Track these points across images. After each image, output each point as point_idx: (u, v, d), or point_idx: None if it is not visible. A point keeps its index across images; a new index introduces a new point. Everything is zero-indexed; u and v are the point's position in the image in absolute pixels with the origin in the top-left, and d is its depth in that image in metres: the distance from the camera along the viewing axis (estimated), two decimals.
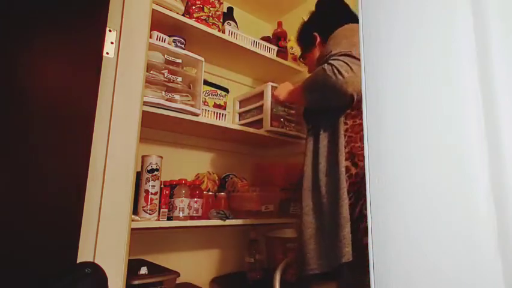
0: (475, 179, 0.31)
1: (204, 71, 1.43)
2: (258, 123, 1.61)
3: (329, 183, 1.02)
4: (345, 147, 1.01)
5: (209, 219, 1.39)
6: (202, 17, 1.49)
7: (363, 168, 0.92)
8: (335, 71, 0.97)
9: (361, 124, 0.98)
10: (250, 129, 1.57)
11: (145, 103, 1.15)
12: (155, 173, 1.23)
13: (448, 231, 0.32)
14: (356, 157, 1.00)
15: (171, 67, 1.31)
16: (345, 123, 1.04)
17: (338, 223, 0.95)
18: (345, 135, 1.03)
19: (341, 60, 0.98)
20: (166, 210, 1.27)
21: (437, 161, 0.34)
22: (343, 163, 0.99)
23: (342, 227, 0.93)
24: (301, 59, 1.43)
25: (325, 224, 1.01)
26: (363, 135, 0.91)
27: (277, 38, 1.85)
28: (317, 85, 1.06)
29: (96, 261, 0.75)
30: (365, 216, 0.85)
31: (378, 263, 0.38)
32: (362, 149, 0.91)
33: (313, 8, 1.32)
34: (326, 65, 1.02)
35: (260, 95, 1.63)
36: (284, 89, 1.34)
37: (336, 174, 1.00)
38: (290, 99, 1.33)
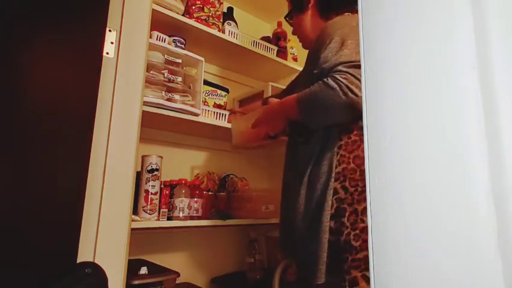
0: (475, 179, 0.31)
1: (204, 71, 1.43)
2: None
3: (308, 203, 0.92)
4: (336, 167, 0.90)
5: (209, 219, 1.39)
6: (202, 17, 1.49)
7: (353, 193, 0.87)
8: (345, 90, 0.82)
9: (356, 141, 0.90)
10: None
11: (145, 103, 1.15)
12: (155, 173, 1.23)
13: (448, 231, 0.32)
14: (348, 180, 0.88)
15: (171, 67, 1.31)
16: (340, 139, 0.92)
17: (315, 248, 0.87)
18: (337, 153, 0.91)
19: (351, 74, 0.83)
20: (166, 210, 1.27)
21: (437, 161, 0.34)
22: (332, 185, 0.88)
23: (321, 252, 0.86)
24: (287, 18, 1.21)
25: (296, 241, 0.95)
26: (356, 156, 0.88)
27: (277, 38, 1.85)
28: (320, 105, 0.88)
29: (96, 261, 0.75)
30: (354, 247, 0.83)
31: (378, 263, 0.38)
32: (355, 172, 0.87)
33: None
34: (330, 80, 0.85)
35: (260, 95, 1.63)
36: (243, 125, 1.10)
37: (320, 196, 0.89)
38: (271, 123, 1.05)
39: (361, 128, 0.89)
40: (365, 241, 0.83)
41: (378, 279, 0.37)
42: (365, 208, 0.82)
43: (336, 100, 0.84)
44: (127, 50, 0.88)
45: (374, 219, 0.39)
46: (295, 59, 1.90)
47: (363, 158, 0.87)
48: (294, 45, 1.92)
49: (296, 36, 1.21)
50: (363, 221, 0.84)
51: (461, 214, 0.32)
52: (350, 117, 0.87)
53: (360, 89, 0.80)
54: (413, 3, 0.39)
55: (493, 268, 0.29)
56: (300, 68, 1.81)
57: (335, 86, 0.83)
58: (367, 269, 0.82)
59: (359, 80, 0.82)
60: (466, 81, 0.33)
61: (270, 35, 1.92)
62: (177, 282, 1.29)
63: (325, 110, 0.89)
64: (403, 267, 0.35)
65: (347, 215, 0.86)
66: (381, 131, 0.40)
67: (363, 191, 0.86)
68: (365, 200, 0.84)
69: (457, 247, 0.31)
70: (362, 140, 0.88)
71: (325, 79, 0.87)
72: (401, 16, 0.40)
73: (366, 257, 0.82)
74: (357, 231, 0.85)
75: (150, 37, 1.08)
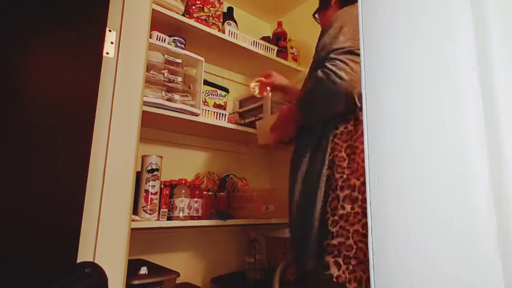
0: (475, 179, 0.31)
1: (204, 71, 1.43)
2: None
3: (305, 190, 0.95)
4: (329, 155, 0.92)
5: (209, 219, 1.39)
6: (202, 17, 1.49)
7: (338, 180, 0.88)
8: (332, 77, 0.85)
9: (351, 132, 0.91)
10: (250, 129, 1.57)
11: (145, 103, 1.15)
12: (155, 173, 1.23)
13: (448, 231, 0.32)
14: (335, 167, 0.89)
15: (171, 67, 1.31)
16: (336, 127, 0.94)
17: (308, 233, 0.90)
18: (332, 141, 0.93)
19: (340, 60, 0.86)
20: (166, 210, 1.27)
21: (437, 161, 0.34)
22: (325, 172, 0.90)
23: (311, 239, 0.89)
24: (315, 16, 1.26)
25: (296, 231, 0.97)
26: (349, 146, 0.89)
27: (277, 38, 1.85)
28: (315, 100, 0.94)
29: (96, 261, 0.75)
30: (330, 232, 0.84)
31: (378, 262, 0.38)
32: (344, 160, 0.89)
33: (312, 9, 1.30)
34: (319, 72, 0.89)
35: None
36: (266, 126, 1.15)
37: (314, 182, 0.91)
38: (283, 129, 1.10)
39: (357, 119, 0.91)
40: (342, 228, 0.84)
41: (378, 279, 0.37)
42: (347, 196, 0.85)
43: (326, 91, 0.88)
44: (127, 50, 0.88)
45: (374, 219, 0.39)
46: (295, 59, 1.89)
47: (355, 148, 0.89)
48: (294, 45, 1.92)
49: None
50: (343, 208, 0.85)
51: (461, 214, 0.32)
52: (344, 104, 0.89)
53: (347, 73, 0.84)
54: (413, 3, 0.39)
55: (493, 268, 0.29)
56: (300, 68, 1.82)
57: (323, 76, 0.87)
58: (339, 255, 0.83)
59: (347, 65, 0.85)
60: (466, 81, 0.33)
61: (270, 35, 1.92)
62: (177, 282, 1.29)
63: (320, 104, 0.93)
64: (403, 267, 0.35)
65: (329, 200, 0.88)
66: (381, 130, 0.40)
67: (348, 179, 0.87)
68: (348, 187, 0.86)
69: (457, 247, 0.31)
70: (356, 131, 0.91)
71: (315, 72, 0.91)
72: (401, 16, 0.40)
73: (341, 244, 0.83)
74: (336, 217, 0.85)
75: (150, 37, 1.08)
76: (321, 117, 0.96)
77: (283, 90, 1.33)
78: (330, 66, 0.87)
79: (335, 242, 0.84)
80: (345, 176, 0.87)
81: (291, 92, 1.29)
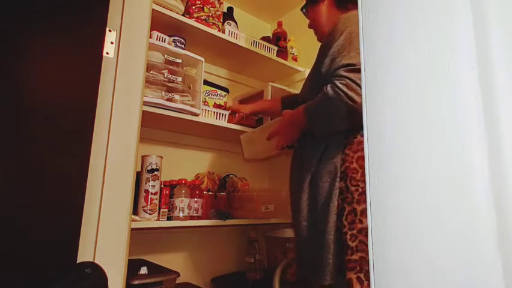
0: (475, 180, 0.31)
1: (204, 71, 1.43)
2: (259, 123, 1.61)
3: (312, 203, 0.92)
4: (340, 166, 0.90)
5: (209, 219, 1.39)
6: (202, 17, 1.49)
7: (354, 193, 0.85)
8: (344, 99, 0.83)
9: (361, 142, 0.88)
10: (250, 129, 1.57)
11: (145, 103, 1.15)
12: (155, 173, 1.23)
13: (448, 231, 0.32)
14: (349, 179, 0.87)
15: (171, 67, 1.31)
16: (346, 138, 0.92)
17: (322, 248, 0.87)
18: (342, 152, 0.91)
19: (351, 80, 0.83)
20: (166, 210, 1.27)
21: (437, 161, 0.34)
22: (337, 184, 0.88)
23: (326, 253, 0.86)
24: (303, 10, 1.21)
25: (305, 243, 0.94)
26: (360, 157, 0.87)
27: (277, 38, 1.85)
28: (323, 115, 0.92)
29: (96, 261, 0.75)
30: (350, 247, 0.81)
31: (378, 262, 0.38)
32: (357, 172, 0.87)
33: None
34: (330, 89, 0.86)
35: (260, 95, 1.63)
36: (258, 137, 1.16)
37: (326, 196, 0.89)
38: (287, 133, 1.07)
39: None
40: (362, 242, 0.82)
41: (378, 279, 0.37)
42: (365, 209, 0.82)
43: (336, 111, 0.86)
44: (127, 50, 0.88)
45: (374, 219, 0.39)
46: (295, 59, 1.89)
47: None
48: (294, 45, 1.92)
49: (312, 30, 1.19)
50: (361, 222, 0.83)
51: (461, 214, 0.32)
52: (352, 122, 0.88)
53: (359, 95, 0.81)
54: (413, 4, 0.39)
55: (493, 268, 0.29)
56: (300, 68, 1.82)
57: (334, 96, 0.85)
58: (362, 271, 0.80)
59: (359, 86, 0.81)
60: (466, 81, 0.33)
61: (270, 35, 1.92)
62: (177, 282, 1.29)
63: (328, 119, 0.91)
64: (403, 267, 0.35)
65: (345, 214, 0.86)
66: (381, 131, 0.40)
67: (364, 192, 0.84)
68: (365, 201, 0.82)
69: (457, 247, 0.31)
70: None
71: (325, 88, 0.88)
72: (401, 16, 0.40)
73: (362, 259, 0.81)
74: (355, 232, 0.83)
75: (150, 37, 1.08)
76: (329, 131, 0.94)
77: (258, 112, 1.43)
78: (340, 86, 0.84)
79: (355, 257, 0.82)
80: (360, 189, 0.85)
81: (267, 108, 1.39)
